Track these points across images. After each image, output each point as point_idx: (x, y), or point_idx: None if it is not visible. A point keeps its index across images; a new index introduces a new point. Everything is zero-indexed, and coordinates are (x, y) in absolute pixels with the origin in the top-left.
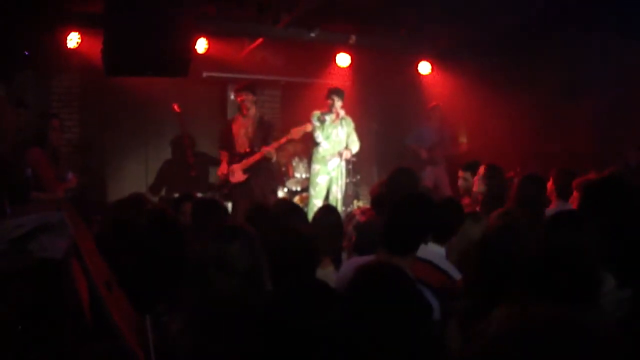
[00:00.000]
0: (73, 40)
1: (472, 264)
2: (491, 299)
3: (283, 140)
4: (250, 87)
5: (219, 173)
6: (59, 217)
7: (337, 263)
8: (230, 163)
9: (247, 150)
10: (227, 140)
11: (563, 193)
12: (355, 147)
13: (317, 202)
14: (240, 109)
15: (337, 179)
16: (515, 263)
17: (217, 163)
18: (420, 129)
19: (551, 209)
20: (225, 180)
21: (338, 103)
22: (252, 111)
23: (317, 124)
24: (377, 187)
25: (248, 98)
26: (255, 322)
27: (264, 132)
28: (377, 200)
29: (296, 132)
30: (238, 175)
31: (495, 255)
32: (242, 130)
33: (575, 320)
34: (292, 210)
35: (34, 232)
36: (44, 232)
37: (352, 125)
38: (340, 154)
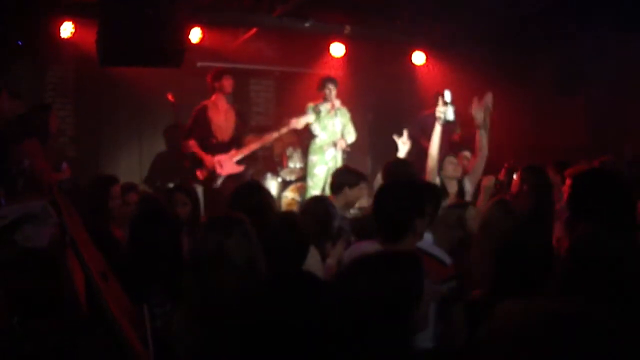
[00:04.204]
0: (67, 30)
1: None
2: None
3: (284, 130)
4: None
5: (209, 166)
6: (42, 206)
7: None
8: (208, 153)
9: (229, 139)
10: (202, 129)
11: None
12: (351, 137)
13: (315, 193)
14: (220, 93)
15: (333, 169)
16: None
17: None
18: (423, 117)
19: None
20: (212, 173)
21: (333, 92)
22: (230, 97)
23: (313, 116)
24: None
25: (230, 82)
26: (250, 314)
27: (244, 120)
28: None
29: (296, 122)
30: (230, 166)
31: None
32: (221, 117)
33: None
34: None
35: (17, 223)
36: (27, 222)
37: (347, 115)
38: (335, 144)
